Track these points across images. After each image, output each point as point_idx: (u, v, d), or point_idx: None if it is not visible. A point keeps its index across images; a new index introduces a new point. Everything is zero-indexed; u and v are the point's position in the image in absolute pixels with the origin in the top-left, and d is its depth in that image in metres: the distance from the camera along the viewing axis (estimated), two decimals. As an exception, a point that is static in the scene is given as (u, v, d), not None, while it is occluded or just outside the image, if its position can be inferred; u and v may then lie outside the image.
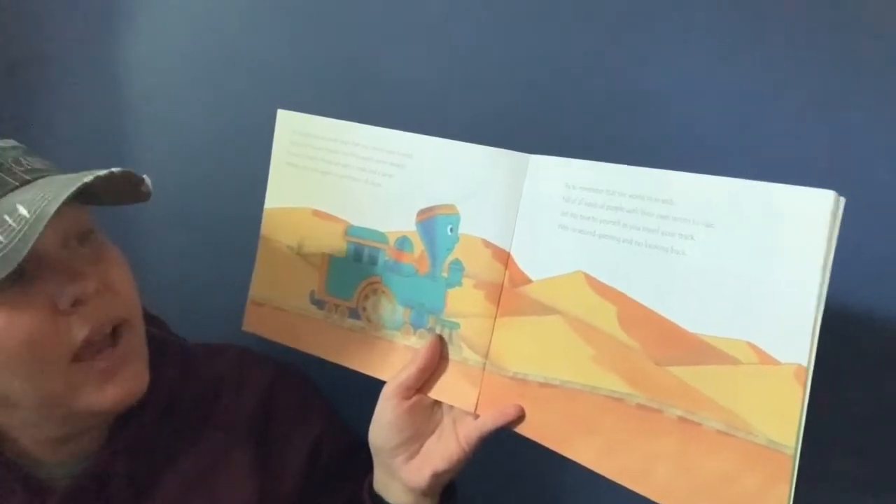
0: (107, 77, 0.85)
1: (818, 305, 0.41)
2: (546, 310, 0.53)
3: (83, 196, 0.53)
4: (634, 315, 0.48)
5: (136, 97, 0.85)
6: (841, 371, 0.63)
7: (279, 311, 0.66)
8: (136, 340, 0.54)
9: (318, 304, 0.64)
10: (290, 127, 0.65)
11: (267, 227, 0.67)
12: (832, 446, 0.64)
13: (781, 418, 0.41)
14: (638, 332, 0.48)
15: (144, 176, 0.52)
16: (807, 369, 0.41)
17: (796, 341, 0.41)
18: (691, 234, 0.46)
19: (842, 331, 0.62)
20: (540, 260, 0.54)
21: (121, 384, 0.51)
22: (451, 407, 0.59)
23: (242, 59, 0.81)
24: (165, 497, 0.58)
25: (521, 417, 0.54)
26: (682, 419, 0.46)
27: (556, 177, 0.53)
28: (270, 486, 0.63)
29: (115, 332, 0.52)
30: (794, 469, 0.41)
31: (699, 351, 0.45)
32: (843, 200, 0.41)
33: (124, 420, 0.57)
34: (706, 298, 0.45)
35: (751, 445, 0.43)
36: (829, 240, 0.41)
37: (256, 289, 0.67)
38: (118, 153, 0.85)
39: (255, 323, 0.67)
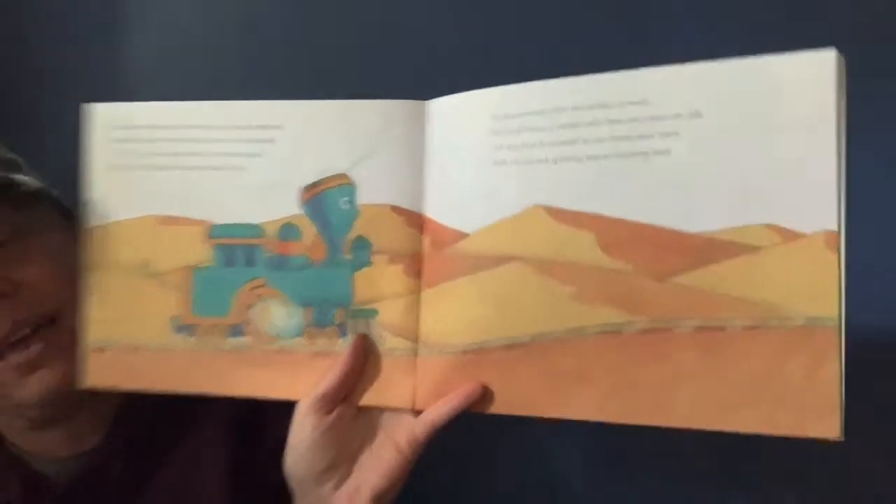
0: (104, 78, 0.89)
1: (839, 168, 0.38)
2: (495, 261, 0.45)
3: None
4: (619, 234, 0.42)
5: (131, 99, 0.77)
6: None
7: (131, 352, 0.52)
8: (60, 336, 0.52)
9: (187, 330, 0.51)
10: (107, 122, 0.53)
11: (94, 250, 0.53)
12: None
13: (819, 291, 0.38)
14: (627, 251, 0.42)
15: (14, 177, 0.52)
16: (838, 234, 0.38)
17: (821, 208, 0.38)
18: (675, 130, 0.42)
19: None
20: (473, 209, 0.47)
21: (39, 378, 0.52)
22: (382, 410, 0.50)
23: (237, 61, 0.86)
24: (161, 492, 0.58)
25: (482, 396, 0.46)
26: (698, 329, 0.41)
27: (472, 113, 0.47)
28: (256, 483, 0.60)
29: (38, 329, 0.51)
30: (841, 343, 0.38)
31: (706, 250, 0.41)
32: (844, 60, 0.39)
33: (123, 416, 0.58)
34: (704, 193, 0.41)
35: (786, 331, 0.39)
36: (839, 100, 0.39)
37: (94, 332, 0.52)
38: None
39: (100, 374, 0.52)
